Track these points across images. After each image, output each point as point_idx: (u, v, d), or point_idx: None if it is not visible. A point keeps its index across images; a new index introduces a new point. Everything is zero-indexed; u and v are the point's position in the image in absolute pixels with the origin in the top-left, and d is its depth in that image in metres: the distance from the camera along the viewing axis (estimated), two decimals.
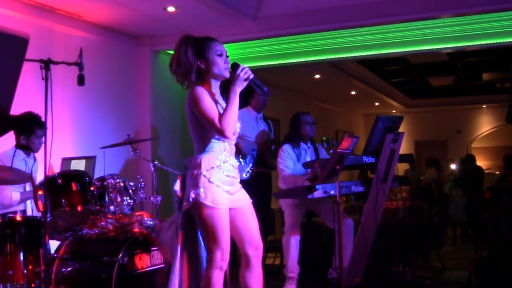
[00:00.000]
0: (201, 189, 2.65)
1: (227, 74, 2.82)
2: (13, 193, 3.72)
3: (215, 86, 2.84)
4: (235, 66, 2.75)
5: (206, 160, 2.70)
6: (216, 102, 2.75)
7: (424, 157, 12.39)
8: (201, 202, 2.65)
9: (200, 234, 2.81)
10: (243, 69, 2.71)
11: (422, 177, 10.33)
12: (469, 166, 8.93)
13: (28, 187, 3.86)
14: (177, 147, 6.94)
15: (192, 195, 2.67)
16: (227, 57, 2.83)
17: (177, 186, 2.93)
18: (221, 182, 2.71)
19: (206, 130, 2.73)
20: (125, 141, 4.62)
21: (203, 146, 2.75)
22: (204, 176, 2.67)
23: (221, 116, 2.66)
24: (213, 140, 2.74)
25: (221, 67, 2.79)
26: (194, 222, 2.80)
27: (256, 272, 2.81)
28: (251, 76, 2.73)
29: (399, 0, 5.44)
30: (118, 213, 3.68)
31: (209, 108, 2.67)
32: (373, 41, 6.77)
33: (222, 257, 2.67)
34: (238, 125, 2.85)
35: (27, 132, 3.82)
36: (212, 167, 2.69)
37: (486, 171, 10.19)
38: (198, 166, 2.70)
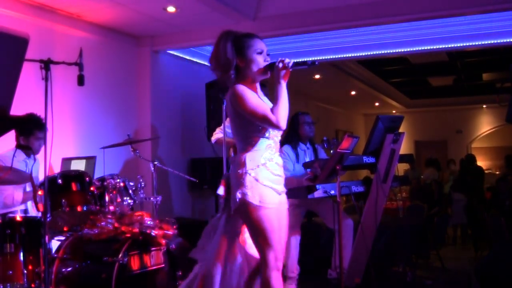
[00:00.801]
0: (248, 189, 2.56)
1: (264, 72, 2.71)
2: (16, 192, 3.72)
3: (255, 85, 2.74)
4: (270, 66, 2.66)
5: (251, 158, 2.61)
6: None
7: (424, 157, 12.39)
8: (249, 202, 2.55)
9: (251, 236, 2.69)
10: (279, 60, 2.61)
11: (422, 176, 10.34)
12: (469, 166, 8.93)
13: (28, 187, 3.86)
14: (177, 147, 6.94)
15: (239, 195, 2.58)
16: (268, 54, 2.73)
17: (221, 190, 2.81)
18: (268, 181, 2.61)
19: (250, 128, 2.64)
20: (125, 141, 4.62)
21: (247, 145, 2.65)
22: (250, 175, 2.58)
23: (272, 109, 2.57)
24: (257, 138, 2.64)
25: (261, 66, 2.68)
26: (236, 227, 2.73)
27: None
28: (290, 64, 2.61)
29: (399, 0, 5.44)
30: (118, 213, 3.68)
31: (256, 103, 2.58)
32: (373, 41, 6.78)
33: (276, 257, 2.57)
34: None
35: (26, 133, 3.82)
36: (258, 166, 2.60)
37: (486, 171, 10.18)
38: (243, 164, 2.59)
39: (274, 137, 2.71)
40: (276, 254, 2.57)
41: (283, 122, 2.58)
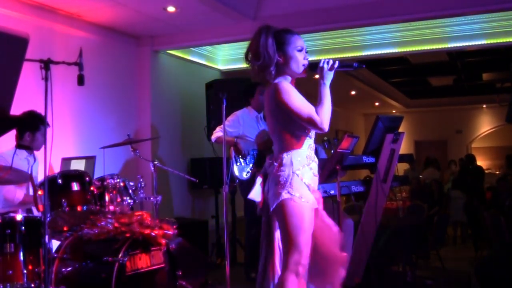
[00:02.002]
0: (294, 189, 2.49)
1: (301, 71, 2.64)
2: (18, 190, 3.73)
3: (293, 81, 2.68)
4: (312, 66, 2.61)
5: (297, 157, 2.55)
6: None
7: (424, 157, 12.39)
8: (294, 202, 2.48)
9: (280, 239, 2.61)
10: (324, 61, 2.57)
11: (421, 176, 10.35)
12: (469, 166, 8.93)
13: (31, 191, 3.86)
14: (177, 147, 6.94)
15: (284, 195, 2.50)
16: (306, 52, 2.67)
17: (255, 194, 2.68)
18: (310, 180, 2.58)
19: (296, 126, 2.57)
20: (125, 141, 4.62)
21: (290, 144, 2.58)
22: (298, 175, 2.52)
23: (317, 109, 2.51)
24: (303, 137, 2.59)
25: (300, 63, 2.62)
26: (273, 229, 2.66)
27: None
28: (336, 65, 2.57)
29: (399, 0, 5.44)
30: (118, 213, 3.67)
31: (302, 103, 2.52)
32: (373, 41, 6.78)
33: (300, 260, 2.48)
34: None
35: (33, 128, 3.84)
36: (304, 166, 2.55)
37: (486, 171, 10.19)
38: (289, 164, 2.53)
39: (313, 137, 2.67)
40: (301, 257, 2.48)
41: (326, 125, 2.52)
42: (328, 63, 2.57)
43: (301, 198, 2.49)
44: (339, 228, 3.67)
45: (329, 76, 2.59)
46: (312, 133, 2.65)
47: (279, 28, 2.64)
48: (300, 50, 2.62)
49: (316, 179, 2.66)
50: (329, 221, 2.72)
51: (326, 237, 2.68)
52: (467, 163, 9.11)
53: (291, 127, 2.58)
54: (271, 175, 2.60)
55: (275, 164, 2.59)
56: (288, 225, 2.49)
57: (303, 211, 2.50)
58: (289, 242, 2.49)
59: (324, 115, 2.52)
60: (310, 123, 2.52)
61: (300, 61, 2.62)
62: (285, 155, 2.56)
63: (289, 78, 2.66)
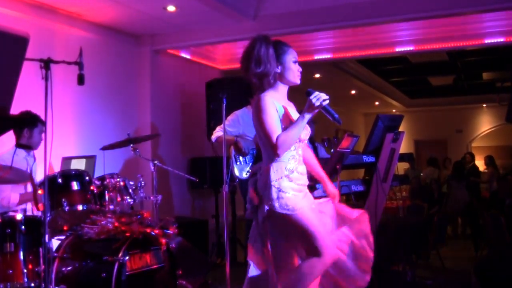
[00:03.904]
0: (274, 200, 2.59)
1: (299, 81, 2.79)
2: (12, 194, 3.72)
3: (284, 91, 2.80)
4: (309, 93, 2.66)
5: (275, 169, 2.64)
6: (285, 108, 2.71)
7: (424, 156, 12.39)
8: (279, 212, 2.59)
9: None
10: (316, 96, 2.62)
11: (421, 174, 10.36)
12: (466, 166, 8.97)
13: (29, 187, 3.86)
14: (177, 146, 6.94)
15: (267, 207, 2.62)
16: (299, 64, 2.81)
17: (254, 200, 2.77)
18: (292, 190, 2.64)
19: None
20: (125, 140, 4.62)
21: (271, 155, 2.67)
22: (274, 186, 2.61)
23: (280, 134, 2.60)
24: None
25: (296, 74, 2.77)
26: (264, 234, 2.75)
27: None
28: (324, 103, 2.63)
29: (399, 0, 5.44)
30: (118, 212, 3.67)
31: (271, 122, 2.61)
32: (373, 41, 6.78)
33: (331, 250, 2.61)
34: (309, 130, 2.79)
35: (31, 125, 3.85)
36: (281, 177, 2.63)
37: (485, 171, 10.21)
38: (268, 176, 2.63)
39: (298, 148, 2.73)
40: (327, 245, 2.59)
41: (281, 150, 2.59)
42: (318, 99, 2.62)
43: (290, 209, 2.58)
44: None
45: (311, 111, 2.64)
46: (296, 146, 2.70)
47: (275, 40, 2.77)
48: (295, 62, 2.76)
49: (302, 187, 2.72)
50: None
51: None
52: (464, 163, 9.14)
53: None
54: (259, 185, 2.71)
55: (262, 174, 2.70)
56: (298, 231, 2.61)
57: (301, 216, 2.59)
58: (308, 240, 2.60)
59: (284, 142, 2.58)
60: (267, 142, 2.62)
61: (295, 72, 2.76)
62: (267, 166, 2.67)
63: (282, 88, 2.77)
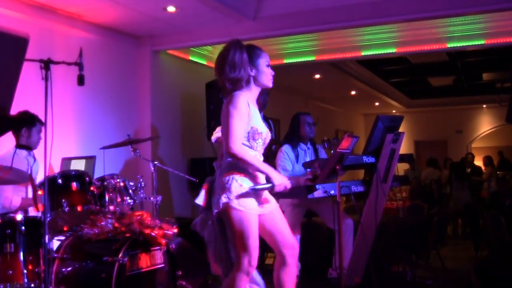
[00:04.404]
0: (233, 194, 2.65)
1: (271, 85, 2.85)
2: (14, 197, 3.73)
3: (256, 93, 2.86)
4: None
5: (236, 165, 2.70)
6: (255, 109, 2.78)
7: (424, 157, 12.39)
8: (232, 206, 2.65)
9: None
10: (283, 185, 2.73)
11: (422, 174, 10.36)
12: (466, 166, 8.98)
13: (30, 193, 3.86)
14: (177, 147, 6.94)
15: (223, 199, 2.67)
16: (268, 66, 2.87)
17: (200, 199, 2.83)
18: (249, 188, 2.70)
19: None
20: (125, 141, 4.62)
21: None
22: (237, 181, 2.67)
23: (246, 148, 2.67)
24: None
25: (269, 78, 2.83)
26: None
27: (290, 270, 2.84)
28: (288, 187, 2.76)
29: (399, 0, 5.44)
30: (118, 213, 3.67)
31: (238, 123, 2.67)
32: (373, 41, 6.78)
33: (250, 262, 2.67)
34: (269, 134, 2.86)
35: (29, 124, 3.85)
36: (240, 174, 2.70)
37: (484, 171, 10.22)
38: (230, 171, 2.69)
39: (261, 148, 2.81)
40: (250, 259, 2.66)
41: (231, 155, 2.65)
42: (286, 188, 2.74)
43: (243, 206, 2.64)
44: (339, 228, 3.69)
45: (279, 186, 2.71)
46: (256, 145, 2.77)
47: (248, 44, 2.85)
48: (268, 65, 2.83)
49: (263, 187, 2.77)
50: (282, 225, 2.85)
51: (274, 240, 2.85)
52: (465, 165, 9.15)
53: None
54: (217, 180, 2.76)
55: (221, 169, 2.75)
56: (234, 232, 2.68)
57: (249, 219, 2.65)
58: (238, 246, 2.67)
59: (240, 155, 2.63)
60: (225, 142, 2.67)
61: (269, 75, 2.82)
62: (227, 161, 2.72)
63: (255, 90, 2.83)
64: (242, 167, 2.70)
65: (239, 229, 2.65)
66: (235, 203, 2.64)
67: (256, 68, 2.78)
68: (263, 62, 2.81)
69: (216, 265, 2.94)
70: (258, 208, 2.72)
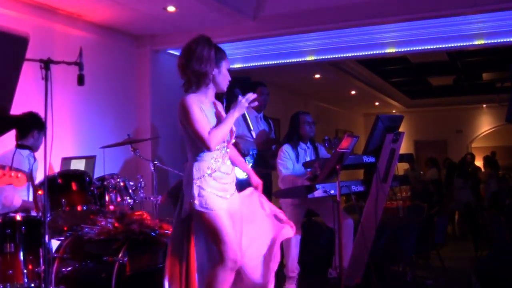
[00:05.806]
0: (195, 198, 2.70)
1: (225, 89, 2.90)
2: (16, 196, 3.73)
3: (212, 94, 2.89)
4: (235, 93, 2.83)
5: (197, 168, 2.74)
6: (215, 105, 2.85)
7: (424, 157, 12.38)
8: (197, 209, 2.70)
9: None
10: (245, 98, 2.79)
11: (423, 175, 10.35)
12: (466, 166, 8.99)
13: (31, 195, 3.86)
14: (177, 147, 6.93)
15: (188, 204, 2.74)
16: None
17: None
18: (214, 189, 2.74)
19: (196, 140, 2.76)
20: (125, 140, 4.62)
21: (194, 155, 2.78)
22: (196, 184, 2.71)
23: (212, 130, 2.70)
24: (203, 149, 2.76)
25: (226, 81, 2.88)
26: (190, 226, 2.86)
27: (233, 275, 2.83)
28: (252, 104, 2.85)
29: (399, 0, 5.44)
30: (118, 213, 3.67)
31: (198, 120, 2.70)
32: (373, 41, 6.77)
33: (232, 257, 2.69)
34: (234, 130, 2.89)
35: (40, 127, 3.84)
36: (203, 175, 2.73)
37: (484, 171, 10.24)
38: (191, 174, 2.74)
39: (222, 148, 2.81)
40: (232, 252, 2.68)
41: (214, 144, 2.69)
42: (248, 100, 2.80)
43: (208, 208, 2.68)
44: (339, 227, 3.69)
45: (240, 109, 2.79)
46: (219, 145, 2.78)
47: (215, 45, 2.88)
48: (228, 70, 2.88)
49: (225, 186, 2.80)
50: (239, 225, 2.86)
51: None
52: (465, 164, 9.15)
53: (194, 139, 2.75)
54: (184, 182, 2.82)
55: (185, 172, 2.81)
56: (210, 231, 2.72)
57: (217, 217, 2.69)
58: (217, 243, 2.70)
59: (216, 136, 2.70)
60: (199, 138, 2.69)
61: (227, 79, 2.88)
62: (190, 164, 2.77)
63: (211, 90, 2.85)
64: (202, 170, 2.72)
65: (212, 228, 2.70)
66: (199, 206, 2.69)
67: (218, 68, 2.82)
68: (225, 65, 2.84)
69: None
70: (225, 205, 2.75)
